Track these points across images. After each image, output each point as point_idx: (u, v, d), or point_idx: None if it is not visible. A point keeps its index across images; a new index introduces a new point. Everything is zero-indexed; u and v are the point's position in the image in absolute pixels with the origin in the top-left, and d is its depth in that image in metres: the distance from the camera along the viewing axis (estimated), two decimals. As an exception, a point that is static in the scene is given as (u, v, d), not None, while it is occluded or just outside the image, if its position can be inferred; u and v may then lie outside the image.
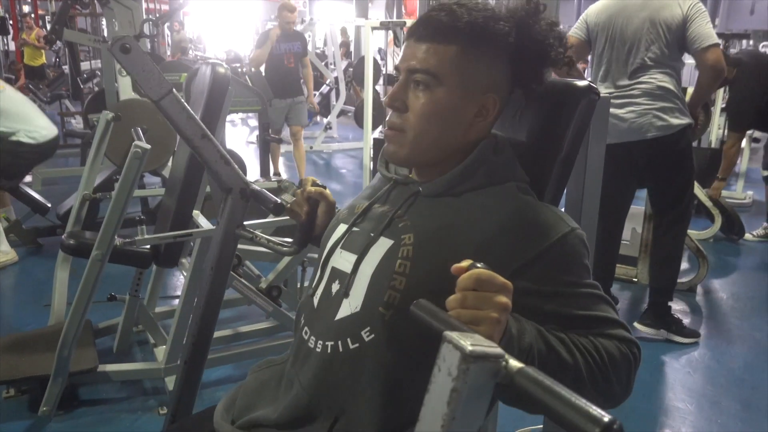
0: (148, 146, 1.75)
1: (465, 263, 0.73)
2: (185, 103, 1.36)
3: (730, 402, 2.28)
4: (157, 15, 10.16)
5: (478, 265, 0.73)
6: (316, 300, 1.00)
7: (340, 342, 0.92)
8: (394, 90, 0.94)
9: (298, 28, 6.03)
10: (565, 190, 1.08)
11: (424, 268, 0.88)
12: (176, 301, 2.97)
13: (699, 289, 3.29)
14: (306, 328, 0.99)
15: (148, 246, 2.20)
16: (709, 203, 4.11)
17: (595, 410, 0.54)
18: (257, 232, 1.40)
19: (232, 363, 2.35)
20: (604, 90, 2.56)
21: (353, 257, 0.96)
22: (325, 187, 1.19)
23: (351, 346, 0.91)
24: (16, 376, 2.08)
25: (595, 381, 0.83)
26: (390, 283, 0.89)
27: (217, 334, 2.21)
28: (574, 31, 2.72)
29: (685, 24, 2.46)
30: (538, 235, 0.88)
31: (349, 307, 0.93)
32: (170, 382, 2.13)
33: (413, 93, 0.93)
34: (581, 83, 1.01)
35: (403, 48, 0.97)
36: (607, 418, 0.53)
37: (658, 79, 2.52)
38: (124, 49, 1.28)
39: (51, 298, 2.67)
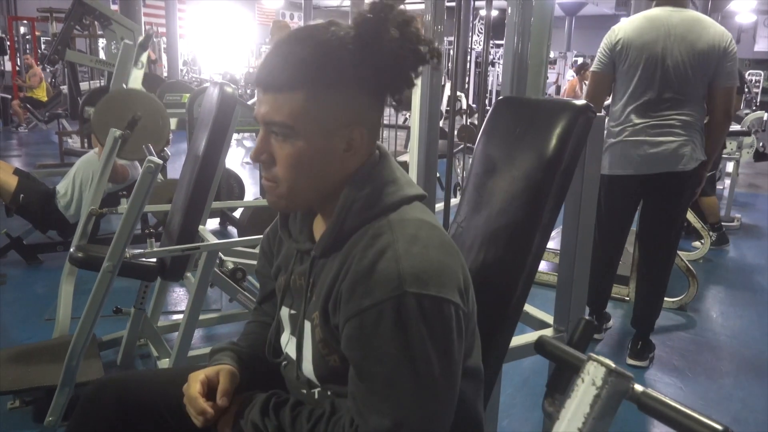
0: (161, 161, 1.81)
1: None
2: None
3: (721, 416, 2.33)
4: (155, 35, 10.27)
5: None
6: (283, 370, 1.10)
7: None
8: (257, 144, 0.91)
9: None
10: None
11: (337, 338, 0.92)
12: (175, 316, 3.01)
13: (689, 308, 3.37)
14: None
15: (154, 260, 2.25)
16: (698, 224, 4.21)
17: (711, 421, 0.68)
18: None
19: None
20: (636, 118, 2.50)
21: (294, 341, 1.02)
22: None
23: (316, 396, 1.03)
24: (22, 387, 2.10)
25: None
26: (328, 365, 0.96)
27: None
28: (597, 66, 2.58)
29: (721, 58, 2.43)
30: (363, 293, 0.84)
31: (309, 392, 1.03)
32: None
33: (276, 144, 0.90)
34: (579, 102, 1.09)
35: (256, 95, 0.93)
36: (721, 426, 0.67)
37: (696, 111, 2.49)
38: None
39: (51, 312, 2.70)
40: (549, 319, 1.51)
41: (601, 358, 0.74)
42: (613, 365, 0.74)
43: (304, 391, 1.03)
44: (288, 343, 1.06)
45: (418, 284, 0.82)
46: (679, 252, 3.40)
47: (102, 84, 7.69)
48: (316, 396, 1.01)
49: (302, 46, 0.86)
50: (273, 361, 1.10)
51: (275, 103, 0.87)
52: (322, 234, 0.95)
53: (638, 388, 0.75)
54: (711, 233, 4.53)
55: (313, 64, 0.85)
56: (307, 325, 0.97)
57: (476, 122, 6.81)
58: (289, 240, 1.04)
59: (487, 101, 8.65)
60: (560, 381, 0.86)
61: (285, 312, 1.06)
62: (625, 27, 2.53)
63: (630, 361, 2.73)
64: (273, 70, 0.87)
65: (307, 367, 0.99)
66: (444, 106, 5.18)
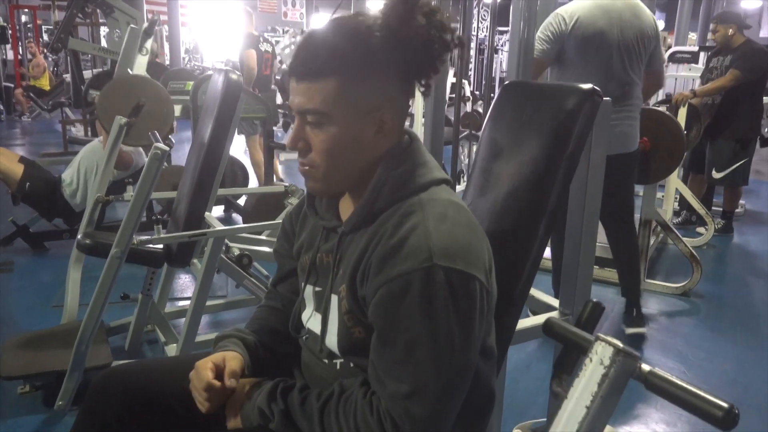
0: (167, 148, 1.82)
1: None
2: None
3: (724, 400, 2.35)
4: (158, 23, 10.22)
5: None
6: (303, 351, 1.11)
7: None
8: (294, 132, 0.95)
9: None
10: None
11: (363, 310, 0.94)
12: (181, 303, 3.03)
13: (692, 294, 3.38)
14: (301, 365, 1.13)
15: (161, 246, 2.27)
16: (702, 211, 4.21)
17: (716, 398, 0.70)
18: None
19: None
20: None
21: (320, 317, 1.04)
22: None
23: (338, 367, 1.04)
24: (32, 372, 2.13)
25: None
26: (352, 337, 0.98)
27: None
28: (542, 53, 2.44)
29: (657, 42, 2.58)
30: (393, 264, 0.87)
31: (331, 362, 1.04)
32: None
33: (311, 131, 0.94)
34: (586, 87, 1.10)
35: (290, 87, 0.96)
36: (727, 404, 0.69)
37: (639, 93, 2.63)
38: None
39: (58, 299, 2.72)
40: (554, 302, 1.53)
41: (609, 338, 0.75)
42: (621, 345, 0.74)
43: (326, 361, 1.04)
44: (310, 319, 1.08)
45: (447, 258, 0.85)
46: (683, 238, 3.42)
47: (105, 69, 7.68)
48: (338, 366, 1.03)
49: (332, 35, 0.91)
50: (294, 336, 1.12)
51: (309, 92, 0.91)
52: (353, 211, 0.98)
53: (645, 367, 0.76)
54: (719, 220, 4.54)
55: (342, 51, 0.89)
56: (334, 298, 0.99)
57: (479, 109, 6.79)
58: (316, 218, 1.07)
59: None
60: (567, 362, 0.87)
61: (309, 290, 1.08)
62: (577, 12, 2.43)
63: (629, 330, 2.79)
64: (305, 60, 0.91)
65: (331, 340, 1.01)
66: (447, 93, 5.19)
